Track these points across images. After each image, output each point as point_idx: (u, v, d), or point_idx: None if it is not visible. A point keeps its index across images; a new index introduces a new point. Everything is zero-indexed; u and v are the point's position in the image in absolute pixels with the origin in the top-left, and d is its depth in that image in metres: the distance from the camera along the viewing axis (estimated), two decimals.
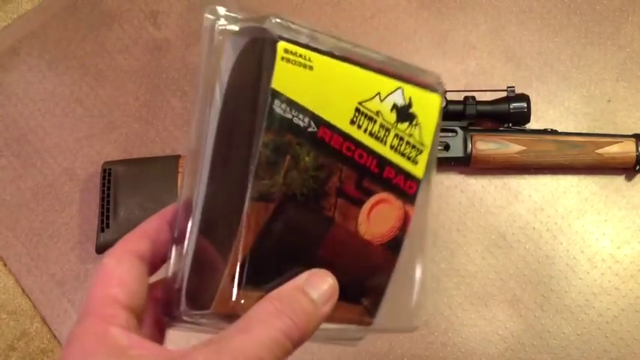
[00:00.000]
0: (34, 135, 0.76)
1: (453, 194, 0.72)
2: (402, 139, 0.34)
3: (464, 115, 0.69)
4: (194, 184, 0.31)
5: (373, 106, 0.33)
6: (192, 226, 0.31)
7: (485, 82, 0.75)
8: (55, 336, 0.70)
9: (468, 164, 0.70)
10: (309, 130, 0.31)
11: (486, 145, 0.69)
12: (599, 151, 0.69)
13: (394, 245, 0.34)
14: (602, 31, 0.77)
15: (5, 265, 0.73)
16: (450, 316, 0.68)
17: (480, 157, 0.69)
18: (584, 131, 0.72)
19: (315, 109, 0.31)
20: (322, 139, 0.31)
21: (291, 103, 0.30)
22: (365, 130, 0.33)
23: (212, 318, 0.30)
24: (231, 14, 0.31)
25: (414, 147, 0.34)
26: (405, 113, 0.34)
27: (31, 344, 0.71)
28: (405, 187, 0.34)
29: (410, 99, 0.34)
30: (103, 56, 0.79)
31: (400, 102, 0.33)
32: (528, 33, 0.77)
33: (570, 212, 0.71)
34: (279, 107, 0.30)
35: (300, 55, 0.30)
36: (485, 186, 0.72)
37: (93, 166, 0.74)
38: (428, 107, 0.34)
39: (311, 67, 0.31)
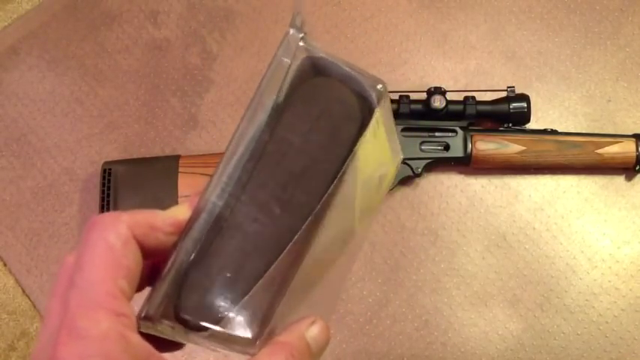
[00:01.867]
0: (34, 135, 0.76)
1: (453, 194, 0.72)
2: None
3: (464, 115, 0.69)
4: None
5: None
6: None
7: (485, 82, 0.75)
8: None
9: (468, 164, 0.70)
10: None
11: (486, 145, 0.69)
12: (599, 151, 0.69)
13: None
14: (602, 31, 0.77)
15: (5, 265, 0.73)
16: (450, 316, 0.68)
17: (480, 157, 0.69)
18: (584, 131, 0.72)
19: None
20: None
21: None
22: None
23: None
24: (311, 40, 0.30)
25: None
26: None
27: (31, 344, 0.71)
28: None
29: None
30: (103, 56, 0.79)
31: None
32: (528, 33, 0.77)
33: (570, 212, 0.71)
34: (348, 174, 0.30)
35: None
36: (485, 186, 0.72)
37: (93, 166, 0.74)
38: None
39: (375, 135, 0.31)
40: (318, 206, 0.29)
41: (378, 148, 0.33)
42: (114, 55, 0.79)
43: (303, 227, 0.28)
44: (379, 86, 0.30)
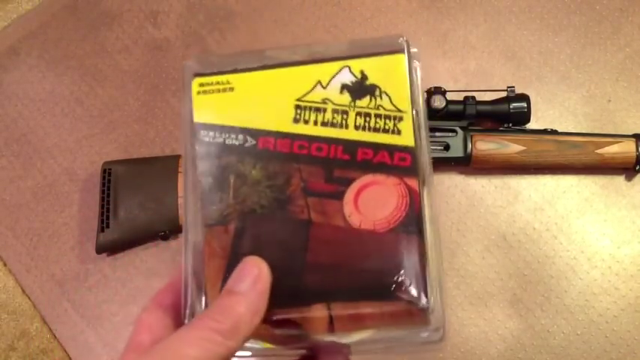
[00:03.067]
0: (34, 135, 0.76)
1: (453, 194, 0.72)
2: (367, 115, 0.32)
3: (464, 115, 0.69)
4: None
5: (316, 96, 0.32)
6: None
7: (485, 82, 0.75)
8: (55, 336, 0.70)
9: (468, 164, 0.70)
10: (247, 144, 0.31)
11: (486, 145, 0.69)
12: (599, 151, 0.69)
13: (409, 224, 0.31)
14: (602, 31, 0.77)
15: (5, 265, 0.73)
16: (450, 316, 0.68)
17: (480, 157, 0.69)
18: (584, 131, 0.72)
19: (246, 124, 0.32)
20: (265, 148, 0.32)
21: (219, 128, 0.32)
22: (315, 123, 0.32)
23: None
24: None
25: (388, 117, 0.32)
26: (359, 89, 0.32)
27: (31, 344, 0.71)
28: (395, 161, 0.32)
29: (362, 72, 0.32)
30: (103, 56, 0.79)
31: (349, 80, 0.32)
32: (528, 33, 0.77)
33: (570, 212, 0.71)
34: (206, 136, 0.31)
35: (218, 82, 0.32)
36: (485, 186, 0.72)
37: (93, 166, 0.74)
38: (391, 71, 0.32)
39: (232, 89, 0.32)
40: None
41: None
42: (114, 55, 0.79)
43: None
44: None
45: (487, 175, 0.72)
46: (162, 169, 0.70)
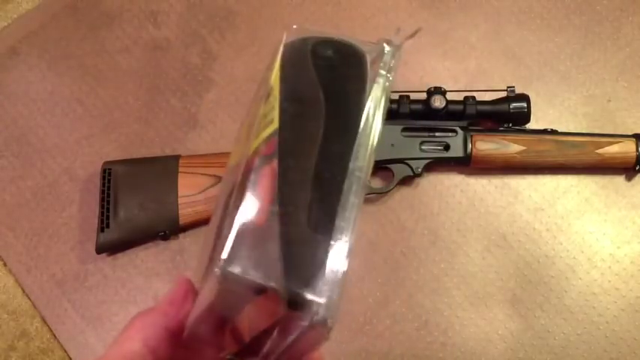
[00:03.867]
0: (34, 135, 0.76)
1: (453, 194, 0.72)
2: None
3: (464, 115, 0.69)
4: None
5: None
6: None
7: (486, 82, 0.75)
8: (55, 336, 0.70)
9: (468, 164, 0.70)
10: None
11: (486, 145, 0.69)
12: (599, 151, 0.69)
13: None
14: (602, 31, 0.77)
15: (5, 265, 0.73)
16: (450, 316, 0.68)
17: (480, 157, 0.69)
18: (584, 131, 0.72)
19: None
20: None
21: None
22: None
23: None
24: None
25: (270, 112, 0.30)
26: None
27: (31, 344, 0.71)
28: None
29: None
30: (103, 56, 0.79)
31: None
32: (528, 33, 0.77)
33: (570, 212, 0.71)
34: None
35: None
36: (485, 186, 0.72)
37: (93, 166, 0.74)
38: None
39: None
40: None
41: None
42: (114, 55, 0.79)
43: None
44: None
45: (487, 175, 0.72)
46: (162, 169, 0.70)
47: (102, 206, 0.69)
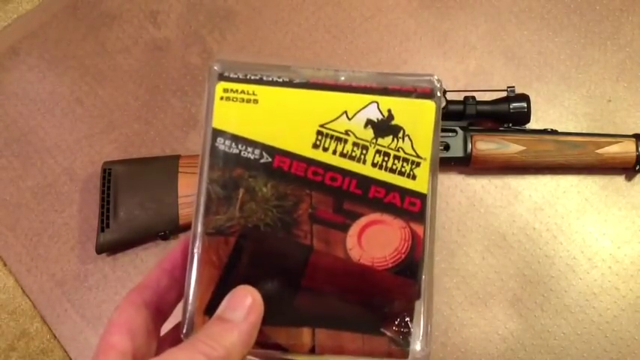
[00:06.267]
0: (34, 135, 0.77)
1: (453, 194, 0.72)
2: (387, 154, 0.32)
3: (464, 115, 0.69)
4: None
5: (340, 126, 0.32)
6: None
7: (486, 82, 0.75)
8: (55, 336, 0.70)
9: (468, 164, 0.70)
10: (262, 161, 0.31)
11: (486, 145, 0.69)
12: (599, 151, 0.69)
13: (407, 268, 0.32)
14: (602, 31, 0.77)
15: (5, 265, 0.73)
16: (450, 316, 0.68)
17: (480, 157, 0.69)
18: (584, 131, 0.72)
19: (265, 140, 0.31)
20: (280, 168, 0.31)
21: (237, 139, 0.31)
22: (334, 152, 0.32)
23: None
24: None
25: (406, 161, 0.32)
26: (384, 127, 0.32)
27: (31, 344, 0.71)
28: (405, 205, 0.32)
29: (389, 111, 0.32)
30: (103, 56, 0.79)
31: (376, 116, 0.32)
32: (528, 33, 0.77)
33: (570, 212, 0.71)
34: (222, 144, 0.31)
35: (243, 92, 0.31)
36: (485, 186, 0.72)
37: (93, 166, 0.74)
38: (418, 116, 0.32)
39: (256, 101, 0.31)
40: None
41: None
42: (114, 55, 0.79)
43: None
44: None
45: (487, 175, 0.72)
46: (162, 169, 0.70)
47: (102, 206, 0.69)
